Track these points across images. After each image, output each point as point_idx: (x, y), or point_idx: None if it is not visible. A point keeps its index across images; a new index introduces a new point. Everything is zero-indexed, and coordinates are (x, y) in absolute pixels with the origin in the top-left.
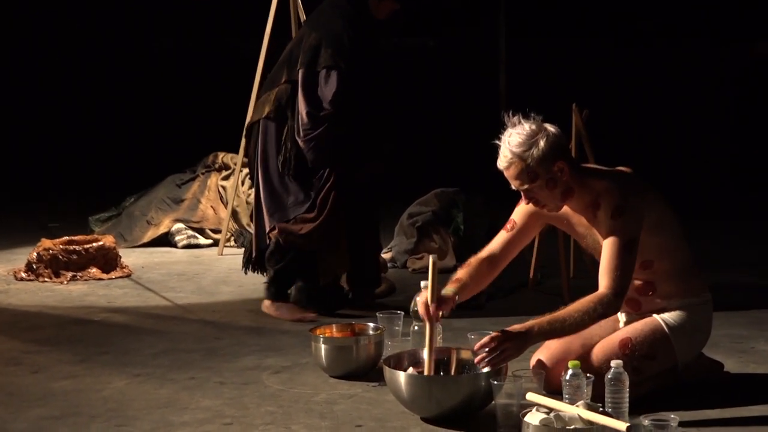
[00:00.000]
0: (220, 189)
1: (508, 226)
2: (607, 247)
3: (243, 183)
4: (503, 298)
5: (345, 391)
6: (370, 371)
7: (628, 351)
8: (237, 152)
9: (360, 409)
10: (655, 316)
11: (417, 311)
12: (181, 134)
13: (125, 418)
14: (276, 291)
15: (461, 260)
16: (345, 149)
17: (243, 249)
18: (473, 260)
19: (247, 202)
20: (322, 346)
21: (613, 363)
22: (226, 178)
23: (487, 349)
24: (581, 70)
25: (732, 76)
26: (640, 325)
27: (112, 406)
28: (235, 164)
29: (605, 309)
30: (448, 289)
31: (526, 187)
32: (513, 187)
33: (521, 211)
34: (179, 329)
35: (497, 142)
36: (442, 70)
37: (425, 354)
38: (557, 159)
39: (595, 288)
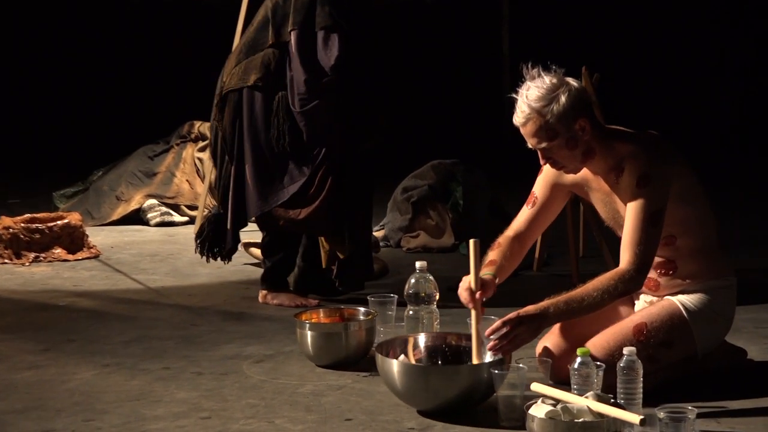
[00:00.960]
0: (197, 161)
1: (530, 201)
2: (631, 219)
3: None
4: (508, 280)
5: (333, 382)
6: (360, 360)
7: (643, 337)
8: None
9: (349, 401)
10: (673, 299)
11: (412, 294)
12: (153, 101)
13: (93, 412)
14: (275, 280)
15: (460, 238)
16: (346, 122)
17: (200, 228)
18: (502, 240)
19: None
20: (308, 333)
21: (626, 350)
22: (203, 149)
23: (499, 335)
24: (592, 28)
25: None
26: (657, 309)
27: (79, 399)
28: None
29: (626, 286)
30: (486, 272)
31: (544, 145)
32: (529, 146)
33: (542, 183)
34: (152, 315)
35: (514, 95)
36: (439, 29)
37: (473, 344)
38: (579, 116)
39: (608, 269)
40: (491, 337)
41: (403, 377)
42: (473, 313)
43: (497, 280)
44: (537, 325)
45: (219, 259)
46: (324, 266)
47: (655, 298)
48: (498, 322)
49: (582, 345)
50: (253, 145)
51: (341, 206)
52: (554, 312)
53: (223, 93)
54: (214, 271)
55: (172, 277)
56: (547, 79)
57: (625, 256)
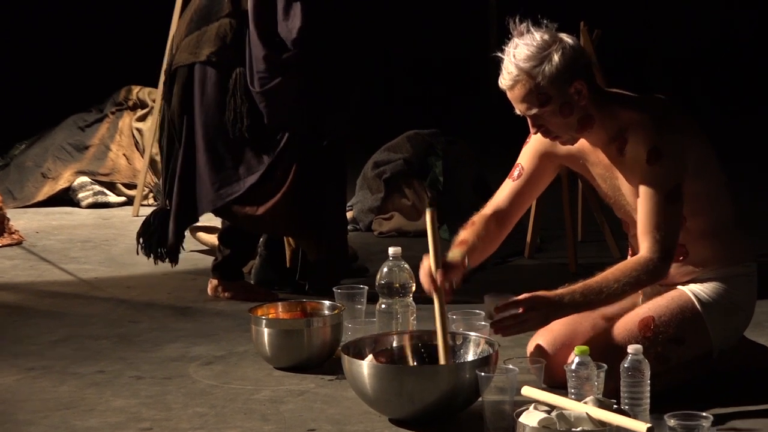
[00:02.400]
0: (135, 132)
1: (515, 173)
2: (646, 200)
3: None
4: (494, 268)
5: (294, 387)
6: (325, 362)
7: (650, 333)
8: (156, 86)
9: (313, 408)
10: (684, 288)
11: (385, 284)
12: (84, 62)
13: (15, 423)
14: (229, 270)
15: (441, 220)
16: (311, 103)
17: (144, 224)
18: (477, 218)
19: None
20: (265, 331)
21: (630, 349)
22: (142, 118)
23: (507, 314)
24: None
25: None
26: (666, 301)
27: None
28: (154, 101)
29: (651, 277)
30: (455, 252)
31: (534, 111)
32: (517, 112)
33: (529, 152)
34: (84, 311)
35: (500, 54)
36: None
37: (438, 339)
38: (574, 78)
39: (609, 256)
40: (498, 315)
41: (374, 380)
42: (436, 302)
43: (467, 263)
44: (548, 313)
45: (166, 260)
46: (288, 265)
47: (663, 288)
48: (510, 300)
49: (580, 342)
50: (205, 129)
51: (308, 202)
52: (569, 302)
53: (172, 69)
54: None
55: (107, 266)
56: (538, 36)
57: (645, 243)
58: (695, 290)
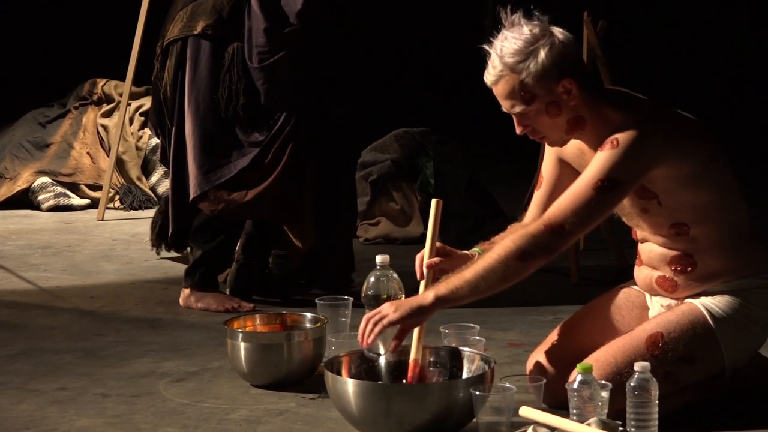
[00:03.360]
0: (100, 129)
1: (539, 182)
2: (578, 180)
3: (132, 121)
4: None
5: (272, 406)
6: (306, 379)
7: (659, 351)
8: (123, 79)
9: (293, 430)
10: (695, 302)
11: (372, 296)
12: (45, 53)
13: None
14: (203, 276)
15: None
16: (314, 82)
17: (153, 219)
18: (512, 227)
19: (137, 147)
20: (242, 345)
21: (637, 367)
22: (107, 114)
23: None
24: None
25: None
26: (675, 316)
27: None
28: (121, 95)
29: (537, 249)
30: (473, 249)
31: (518, 110)
32: (503, 109)
33: (548, 159)
34: (45, 322)
35: (486, 47)
36: None
37: (412, 348)
38: (563, 76)
39: (613, 265)
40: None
41: (360, 400)
42: (421, 287)
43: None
44: (409, 308)
45: (171, 250)
46: (293, 266)
47: (673, 302)
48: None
49: (583, 359)
50: (195, 106)
51: (302, 187)
52: (436, 299)
53: (165, 44)
54: (122, 267)
55: (69, 274)
56: (527, 29)
57: (552, 209)
58: (707, 304)
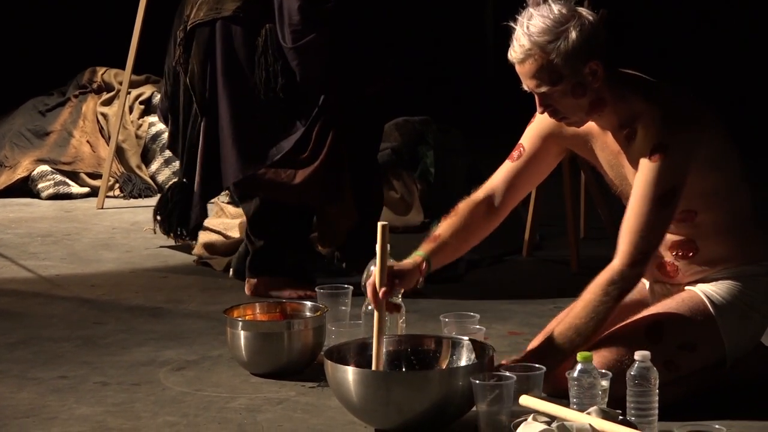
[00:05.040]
0: (100, 117)
1: (515, 153)
2: (636, 198)
3: (131, 109)
4: (489, 267)
5: (272, 395)
6: (306, 367)
7: (659, 338)
8: (123, 67)
9: (293, 418)
10: (695, 289)
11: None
12: (45, 41)
13: None
14: (269, 264)
15: (431, 215)
16: (349, 61)
17: (161, 201)
18: (462, 205)
19: (137, 135)
20: (242, 334)
21: (637, 355)
22: (107, 102)
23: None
24: None
25: None
26: (675, 303)
27: None
28: (121, 84)
29: (622, 287)
30: (418, 254)
31: (544, 89)
32: (525, 88)
33: (532, 133)
34: (45, 311)
35: (511, 24)
36: None
37: (374, 348)
38: (590, 58)
39: (610, 256)
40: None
41: (360, 388)
42: (375, 316)
43: (425, 267)
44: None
45: (185, 238)
46: (322, 245)
47: (674, 289)
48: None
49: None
50: (231, 92)
51: (344, 168)
52: (551, 349)
53: (189, 28)
54: (122, 255)
55: (69, 263)
56: (555, 9)
57: (621, 246)
58: (708, 291)
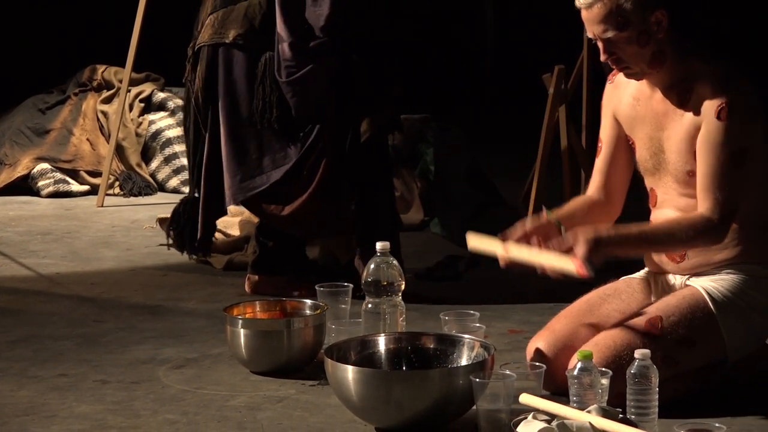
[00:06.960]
0: (100, 116)
1: (598, 147)
2: (709, 158)
3: (131, 107)
4: (491, 265)
5: (272, 393)
6: (306, 365)
7: (658, 332)
8: (123, 65)
9: (293, 416)
10: (696, 285)
11: (371, 282)
12: (45, 39)
13: None
14: (272, 264)
15: (431, 213)
16: (342, 94)
17: (174, 216)
18: (579, 198)
19: (137, 134)
20: (242, 332)
21: (638, 354)
22: (107, 100)
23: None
24: None
25: None
26: (676, 300)
27: None
28: (121, 82)
29: (707, 239)
30: (551, 215)
31: (609, 35)
32: (589, 34)
33: (603, 123)
34: (45, 309)
35: None
36: None
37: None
38: (658, 6)
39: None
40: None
41: (360, 386)
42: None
43: (563, 230)
44: (589, 238)
45: (198, 255)
46: (319, 263)
47: (677, 282)
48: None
49: (582, 346)
50: (229, 116)
51: (339, 202)
52: (616, 236)
53: (195, 48)
54: (121, 253)
55: (69, 261)
56: None
57: (705, 203)
58: (708, 287)
